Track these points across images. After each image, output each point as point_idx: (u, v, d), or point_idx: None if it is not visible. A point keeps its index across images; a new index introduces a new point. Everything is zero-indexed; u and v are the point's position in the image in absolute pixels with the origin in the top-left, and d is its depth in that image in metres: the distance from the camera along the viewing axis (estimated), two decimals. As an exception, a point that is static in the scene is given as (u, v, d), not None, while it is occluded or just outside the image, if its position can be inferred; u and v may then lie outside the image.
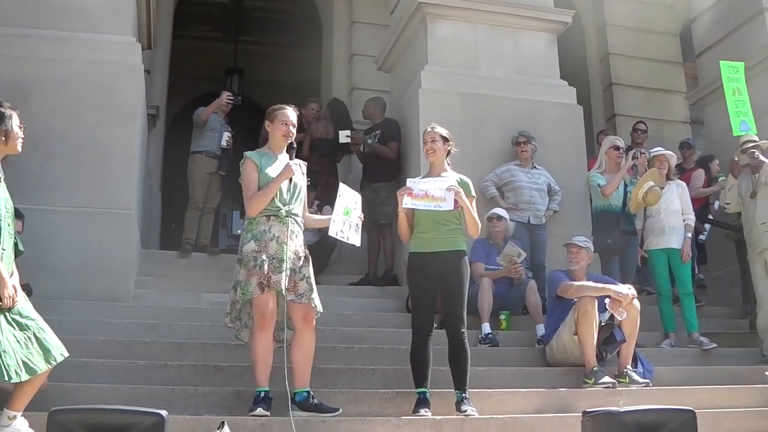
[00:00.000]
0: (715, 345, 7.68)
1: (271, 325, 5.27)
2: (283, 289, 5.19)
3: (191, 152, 9.70)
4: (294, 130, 5.58)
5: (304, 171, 5.68)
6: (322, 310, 5.44)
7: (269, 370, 5.25)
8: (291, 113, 5.58)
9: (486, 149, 8.64)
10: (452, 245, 5.66)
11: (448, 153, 5.91)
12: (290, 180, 5.38)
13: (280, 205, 5.33)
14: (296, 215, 5.41)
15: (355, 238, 5.55)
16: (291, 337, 5.44)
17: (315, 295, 5.36)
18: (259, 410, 5.07)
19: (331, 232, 5.40)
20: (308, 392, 5.31)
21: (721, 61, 8.93)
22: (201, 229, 9.69)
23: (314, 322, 5.39)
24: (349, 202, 5.53)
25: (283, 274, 5.20)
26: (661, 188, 7.99)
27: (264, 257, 5.20)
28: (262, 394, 5.18)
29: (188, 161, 9.73)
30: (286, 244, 5.25)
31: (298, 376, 5.32)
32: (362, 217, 5.65)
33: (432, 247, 5.64)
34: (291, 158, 5.46)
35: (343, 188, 5.57)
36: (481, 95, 8.84)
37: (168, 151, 12.47)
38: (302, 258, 5.38)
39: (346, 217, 5.46)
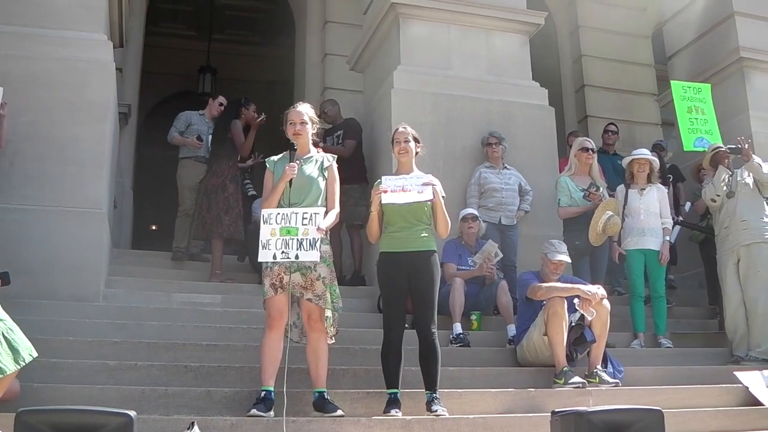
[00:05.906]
0: (670, 345, 7.84)
1: (279, 325, 5.34)
2: (296, 288, 5.30)
3: (180, 158, 9.52)
4: (304, 126, 5.59)
5: (331, 163, 5.65)
6: (340, 307, 5.56)
7: (275, 370, 5.26)
8: (297, 111, 5.66)
9: (458, 149, 8.66)
10: (423, 245, 5.67)
11: (416, 154, 5.96)
12: (290, 183, 5.38)
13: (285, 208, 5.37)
14: None
15: (308, 255, 5.20)
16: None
17: (329, 296, 5.39)
18: (254, 411, 5.04)
19: (263, 259, 5.27)
20: (320, 393, 5.35)
21: (672, 81, 9.08)
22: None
23: (321, 323, 5.42)
24: (288, 221, 5.23)
25: (297, 273, 5.29)
26: (642, 190, 8.07)
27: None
28: (263, 394, 5.18)
29: (177, 167, 9.53)
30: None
31: (311, 376, 5.42)
32: (322, 229, 5.26)
33: (403, 246, 5.65)
34: (291, 160, 5.47)
35: (268, 213, 5.31)
36: (453, 96, 8.86)
37: (140, 149, 12.40)
38: None
39: (289, 236, 5.20)
